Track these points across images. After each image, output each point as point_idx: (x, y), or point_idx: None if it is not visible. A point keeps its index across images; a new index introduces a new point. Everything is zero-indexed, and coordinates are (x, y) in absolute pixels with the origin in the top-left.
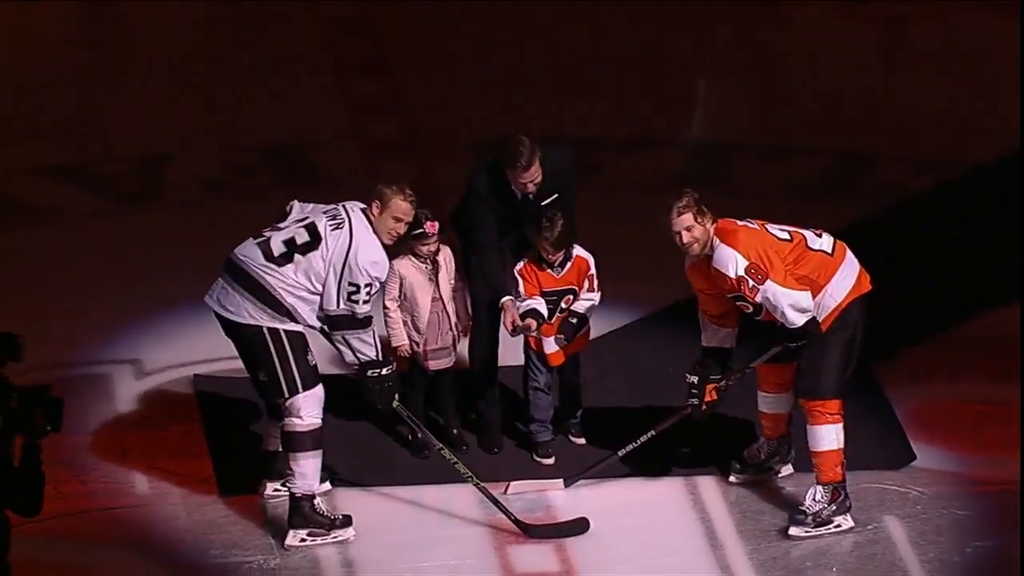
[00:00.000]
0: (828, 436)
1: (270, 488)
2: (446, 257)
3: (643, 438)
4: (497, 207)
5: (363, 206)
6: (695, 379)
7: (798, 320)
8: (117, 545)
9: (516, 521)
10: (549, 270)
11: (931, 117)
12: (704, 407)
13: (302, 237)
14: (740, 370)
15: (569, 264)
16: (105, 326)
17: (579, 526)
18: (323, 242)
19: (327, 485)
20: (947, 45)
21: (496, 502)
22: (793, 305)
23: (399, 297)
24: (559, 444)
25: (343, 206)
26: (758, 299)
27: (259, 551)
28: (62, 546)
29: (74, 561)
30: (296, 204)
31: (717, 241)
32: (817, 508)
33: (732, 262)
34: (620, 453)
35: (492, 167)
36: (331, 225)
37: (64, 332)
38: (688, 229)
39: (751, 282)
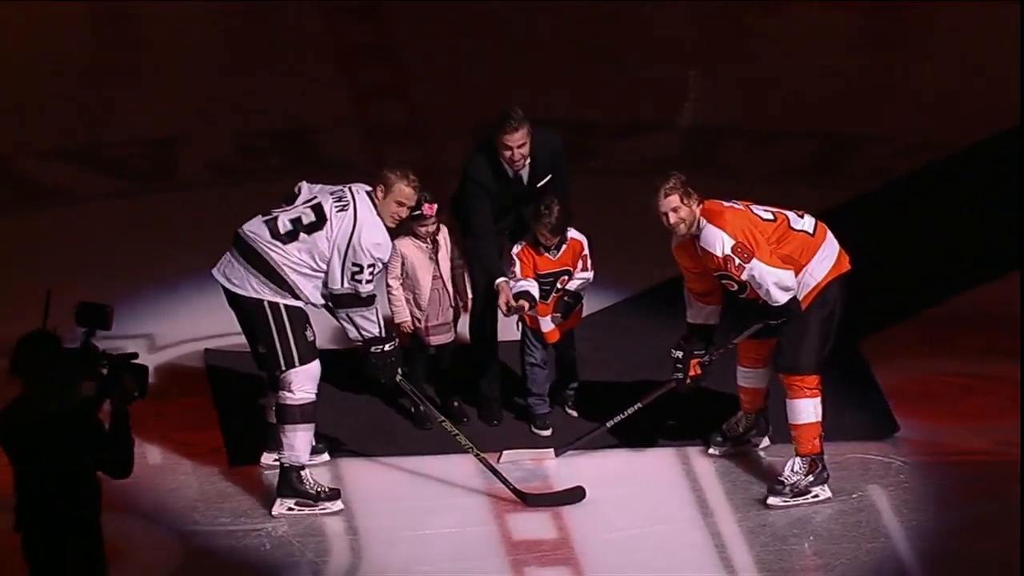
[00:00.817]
0: (807, 410)
1: (269, 459)
2: (445, 237)
3: (630, 410)
4: (492, 190)
5: (368, 188)
6: (680, 354)
7: (781, 298)
8: (129, 513)
9: (515, 490)
10: (546, 253)
11: (914, 101)
12: (688, 381)
13: (308, 217)
14: (723, 346)
15: (564, 247)
16: (119, 302)
17: (575, 495)
18: (328, 223)
19: (325, 456)
20: (928, 31)
21: (495, 472)
22: (778, 283)
23: (401, 276)
24: (556, 416)
25: (349, 188)
26: (744, 277)
27: (268, 519)
28: None
29: None
30: (305, 185)
31: (704, 221)
32: (795, 479)
33: (719, 242)
34: (608, 424)
35: (485, 152)
36: (337, 207)
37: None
38: (675, 210)
39: (737, 260)
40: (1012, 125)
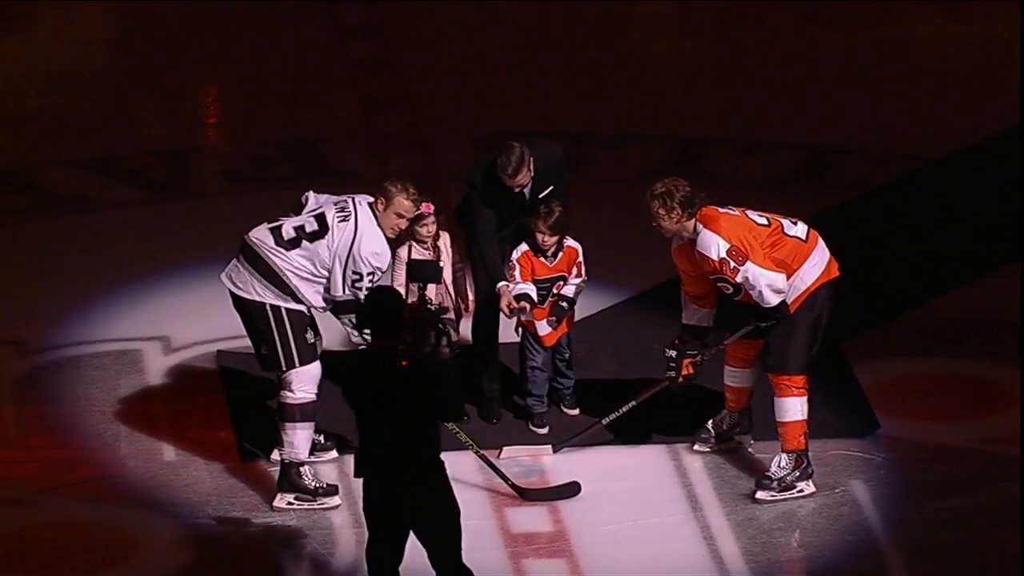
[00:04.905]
0: (793, 408)
1: (277, 455)
2: (446, 243)
3: (625, 408)
4: (495, 200)
5: (371, 200)
6: (673, 353)
7: (773, 300)
8: (146, 507)
9: (513, 486)
10: (543, 259)
11: (891, 114)
12: (681, 379)
13: (311, 226)
14: (715, 346)
15: (561, 254)
16: (135, 306)
17: (571, 489)
18: (330, 232)
19: (334, 452)
20: (905, 47)
21: (495, 468)
22: (770, 285)
23: (403, 282)
24: (553, 415)
25: (352, 199)
26: (738, 279)
27: (277, 513)
28: (96, 507)
29: (107, 521)
30: (311, 195)
31: (700, 227)
32: (782, 474)
33: (714, 245)
34: (604, 421)
35: (490, 164)
36: (339, 217)
37: (99, 312)
38: (657, 217)
39: (732, 263)
40: (983, 136)
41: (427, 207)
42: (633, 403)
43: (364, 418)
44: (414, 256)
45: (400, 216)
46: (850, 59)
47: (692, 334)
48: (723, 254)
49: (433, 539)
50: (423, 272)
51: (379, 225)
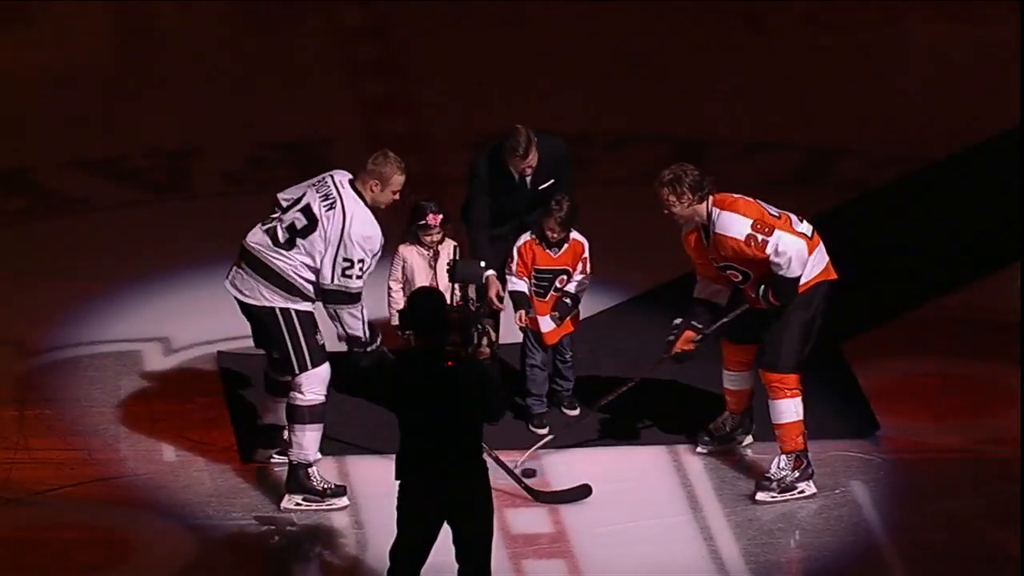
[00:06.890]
0: (788, 409)
1: (279, 456)
2: (448, 250)
3: (624, 388)
4: (495, 190)
5: (350, 177)
6: (679, 320)
7: (798, 270)
8: (145, 508)
9: (527, 488)
10: (547, 250)
11: (891, 114)
12: (677, 351)
13: (300, 222)
14: (715, 324)
15: (566, 246)
16: (135, 307)
17: (583, 492)
18: (319, 223)
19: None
20: (904, 48)
21: (508, 470)
22: (799, 253)
23: (401, 279)
24: (553, 415)
25: (332, 182)
26: (768, 251)
27: (278, 514)
28: (94, 508)
29: (106, 523)
30: (281, 195)
31: (717, 211)
32: (782, 475)
33: (738, 223)
34: (602, 402)
35: (493, 154)
36: (325, 206)
37: (99, 313)
38: (667, 203)
39: (760, 237)
40: (984, 136)
41: (434, 218)
42: (632, 383)
43: (408, 419)
44: (417, 258)
45: (395, 192)
46: (850, 60)
47: (703, 306)
48: (749, 230)
49: (469, 539)
50: (465, 272)
51: (373, 203)
